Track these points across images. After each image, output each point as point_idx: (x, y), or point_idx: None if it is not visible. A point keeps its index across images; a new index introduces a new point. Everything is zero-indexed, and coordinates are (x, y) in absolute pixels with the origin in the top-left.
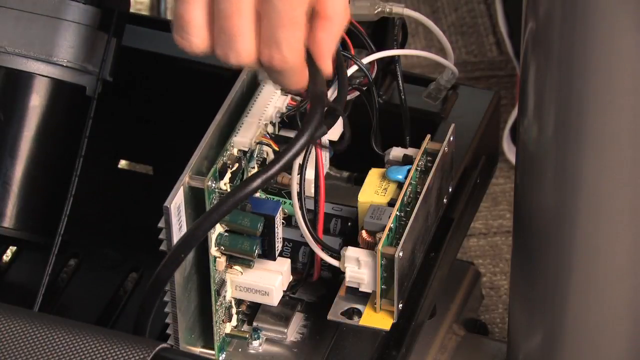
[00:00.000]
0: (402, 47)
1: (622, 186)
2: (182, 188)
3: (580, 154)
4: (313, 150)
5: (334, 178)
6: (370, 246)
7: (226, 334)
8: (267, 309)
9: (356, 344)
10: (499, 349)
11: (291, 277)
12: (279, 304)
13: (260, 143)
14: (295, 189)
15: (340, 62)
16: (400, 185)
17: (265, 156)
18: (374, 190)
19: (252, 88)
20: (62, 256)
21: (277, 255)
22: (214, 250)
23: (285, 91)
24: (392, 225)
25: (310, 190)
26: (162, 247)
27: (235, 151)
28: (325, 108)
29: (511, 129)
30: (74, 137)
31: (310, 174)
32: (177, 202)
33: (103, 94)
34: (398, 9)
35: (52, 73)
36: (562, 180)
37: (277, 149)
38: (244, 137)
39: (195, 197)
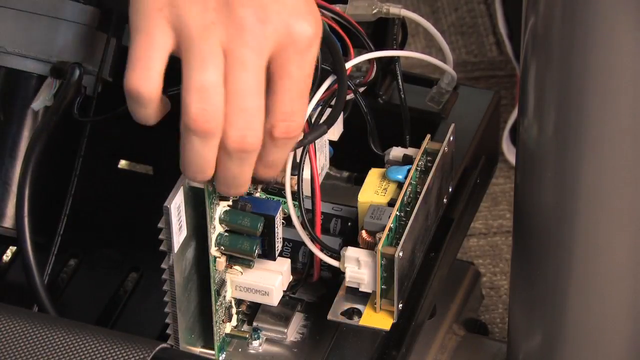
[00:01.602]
0: (401, 47)
1: (622, 186)
2: (182, 188)
3: (580, 154)
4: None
5: (334, 178)
6: (370, 246)
7: (226, 334)
8: (267, 309)
9: (356, 344)
10: (499, 349)
11: (291, 277)
12: (279, 304)
13: None
14: (289, 189)
15: (340, 62)
16: (400, 185)
17: None
18: (374, 190)
19: None
20: (62, 256)
21: (277, 255)
22: (214, 250)
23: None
24: (392, 225)
25: (309, 190)
26: (162, 247)
27: None
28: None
29: (511, 129)
30: (74, 137)
31: (308, 173)
32: (177, 202)
33: (103, 94)
34: (395, 10)
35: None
36: (562, 180)
37: None
38: None
39: (195, 197)
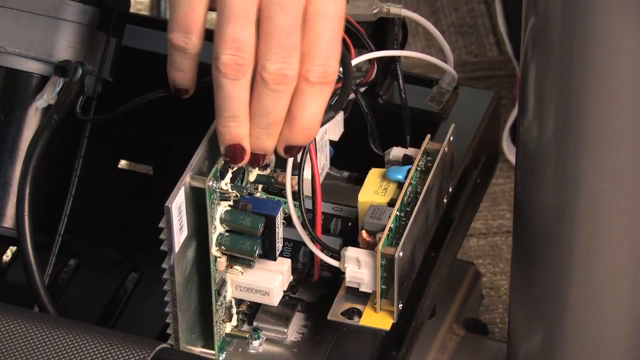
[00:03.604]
0: (402, 47)
1: (622, 186)
2: (183, 188)
3: (580, 154)
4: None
5: (334, 178)
6: (370, 246)
7: (226, 334)
8: (267, 309)
9: (356, 344)
10: (499, 349)
11: (291, 277)
12: (279, 304)
13: None
14: (289, 189)
15: (346, 62)
16: (400, 185)
17: None
18: (374, 190)
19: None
20: (62, 256)
21: (277, 255)
22: (214, 250)
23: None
24: (392, 225)
25: (309, 190)
26: (163, 247)
27: None
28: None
29: (511, 129)
30: (73, 137)
31: (309, 173)
32: (178, 202)
33: (103, 94)
34: (396, 10)
35: (52, 73)
36: (562, 180)
37: None
38: None
39: (196, 197)
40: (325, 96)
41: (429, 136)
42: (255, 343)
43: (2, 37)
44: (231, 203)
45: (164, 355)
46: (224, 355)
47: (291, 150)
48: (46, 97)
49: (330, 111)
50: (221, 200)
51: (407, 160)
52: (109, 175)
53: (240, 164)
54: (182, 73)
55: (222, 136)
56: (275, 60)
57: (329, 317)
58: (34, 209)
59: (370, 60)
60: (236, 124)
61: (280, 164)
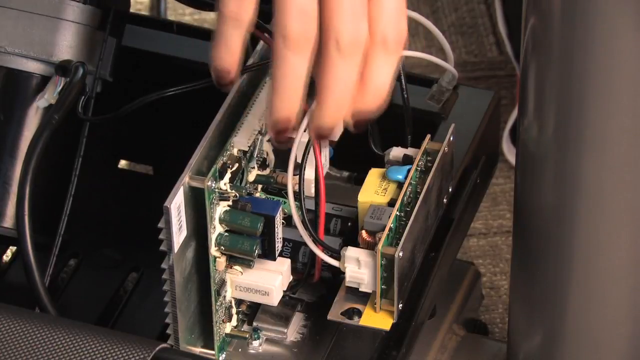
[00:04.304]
0: None
1: (622, 186)
2: (182, 188)
3: (580, 154)
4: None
5: (334, 178)
6: (370, 246)
7: (226, 334)
8: (267, 309)
9: (356, 344)
10: (499, 349)
11: (291, 277)
12: (279, 304)
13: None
14: (291, 189)
15: None
16: (400, 185)
17: (265, 156)
18: (374, 190)
19: (252, 88)
20: (62, 256)
21: (277, 255)
22: (214, 250)
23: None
24: (392, 225)
25: (309, 190)
26: (162, 247)
27: (235, 151)
28: None
29: (511, 129)
30: (73, 137)
31: (309, 173)
32: (177, 202)
33: (104, 94)
34: None
35: (52, 73)
36: (562, 180)
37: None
38: (244, 137)
39: (195, 197)
40: (397, 60)
41: (429, 136)
42: (255, 343)
43: (2, 37)
44: (230, 203)
45: (164, 355)
46: (224, 355)
47: (361, 122)
48: (47, 97)
49: None
50: (220, 200)
51: (407, 160)
52: (109, 175)
53: (286, 140)
54: (230, 50)
55: (275, 109)
56: (350, 27)
57: (329, 317)
58: (34, 209)
59: None
60: (296, 100)
61: (280, 164)
